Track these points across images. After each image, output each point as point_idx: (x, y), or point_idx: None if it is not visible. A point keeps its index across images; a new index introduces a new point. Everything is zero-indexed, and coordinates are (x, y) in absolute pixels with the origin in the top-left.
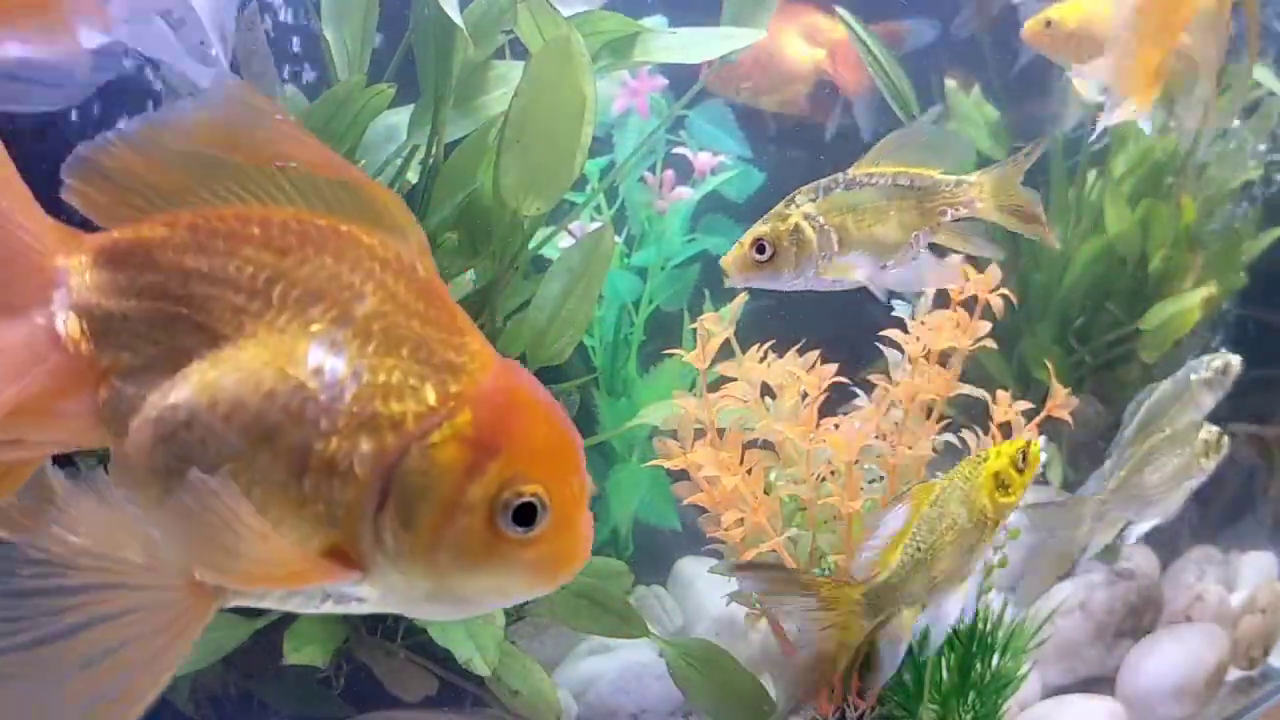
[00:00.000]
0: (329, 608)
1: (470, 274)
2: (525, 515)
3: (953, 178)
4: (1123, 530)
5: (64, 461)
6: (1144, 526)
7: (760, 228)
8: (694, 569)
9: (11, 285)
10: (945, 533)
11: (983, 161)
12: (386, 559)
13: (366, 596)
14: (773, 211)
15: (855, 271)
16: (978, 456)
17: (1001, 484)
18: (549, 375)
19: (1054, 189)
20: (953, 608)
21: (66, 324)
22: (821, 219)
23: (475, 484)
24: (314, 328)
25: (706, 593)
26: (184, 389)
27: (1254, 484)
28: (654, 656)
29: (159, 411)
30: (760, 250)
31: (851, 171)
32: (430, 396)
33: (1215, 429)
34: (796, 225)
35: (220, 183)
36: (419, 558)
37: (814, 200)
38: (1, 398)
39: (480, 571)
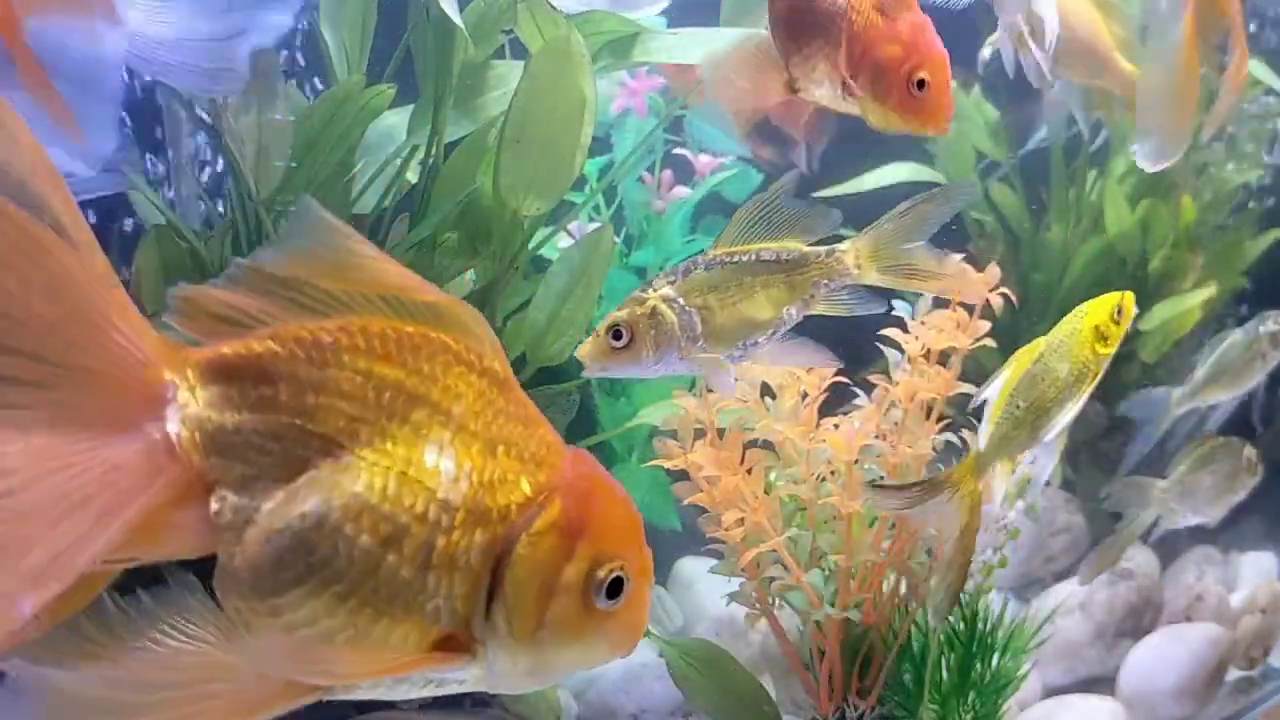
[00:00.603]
0: (430, 691)
1: (470, 274)
2: (613, 589)
3: (823, 248)
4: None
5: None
6: (1188, 521)
7: (616, 313)
8: (694, 569)
9: (123, 400)
10: (1047, 389)
11: (982, 163)
12: (495, 641)
13: (469, 678)
14: (630, 296)
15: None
16: (1077, 313)
17: (1101, 335)
18: (549, 375)
19: (1054, 189)
20: (1048, 461)
21: (180, 437)
22: (682, 301)
23: (570, 565)
24: (424, 431)
25: (706, 593)
26: (312, 497)
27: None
28: (654, 656)
29: (284, 520)
30: (617, 336)
31: (711, 251)
32: (527, 488)
33: (1255, 451)
34: (655, 309)
35: (315, 301)
36: (524, 637)
37: (673, 282)
38: (126, 513)
39: (576, 644)
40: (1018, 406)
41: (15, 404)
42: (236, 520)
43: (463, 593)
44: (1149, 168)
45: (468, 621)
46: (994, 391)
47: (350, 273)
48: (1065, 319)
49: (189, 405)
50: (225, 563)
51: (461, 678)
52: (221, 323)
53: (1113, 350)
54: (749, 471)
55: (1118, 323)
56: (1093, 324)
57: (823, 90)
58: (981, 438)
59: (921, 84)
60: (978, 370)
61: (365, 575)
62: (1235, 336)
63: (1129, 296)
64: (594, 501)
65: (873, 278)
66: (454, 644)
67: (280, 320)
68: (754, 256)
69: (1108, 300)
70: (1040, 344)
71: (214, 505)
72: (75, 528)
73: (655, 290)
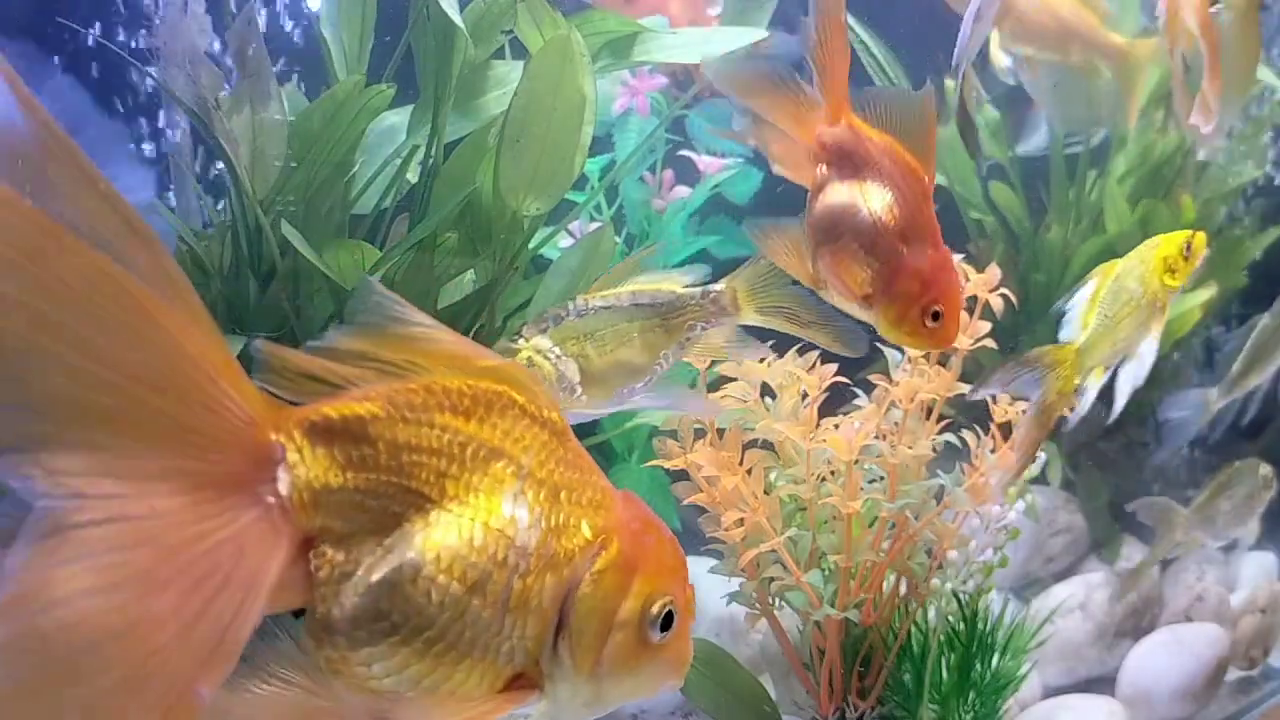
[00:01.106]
0: None
1: (470, 274)
2: (665, 622)
3: (699, 289)
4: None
5: None
6: (1208, 545)
7: None
8: (694, 569)
9: (236, 461)
10: (1125, 305)
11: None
12: (561, 676)
13: (534, 712)
14: (499, 345)
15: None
16: (1149, 243)
17: (1169, 268)
18: None
19: (1054, 189)
20: (1134, 368)
21: (290, 499)
22: (557, 350)
23: (627, 602)
24: (501, 481)
25: (706, 593)
26: (406, 551)
27: None
28: None
29: (381, 574)
30: None
31: (582, 297)
32: (588, 531)
33: (1270, 468)
34: (529, 359)
35: (393, 366)
36: (586, 671)
37: (544, 330)
38: (267, 580)
39: (632, 675)
40: (1105, 315)
41: (130, 468)
42: (333, 575)
43: (535, 633)
44: (1204, 129)
45: (536, 660)
46: (1081, 299)
47: (416, 344)
48: (1137, 248)
49: (297, 466)
50: (322, 615)
51: (527, 712)
52: (309, 381)
53: (1180, 284)
54: (749, 471)
55: (1187, 259)
56: (1162, 255)
57: (841, 295)
58: (1072, 331)
59: (936, 316)
60: (978, 370)
61: (452, 621)
62: (1264, 320)
63: (1200, 235)
64: (646, 541)
65: (751, 318)
66: (523, 681)
67: (365, 382)
68: (628, 300)
69: (1178, 235)
70: (1116, 264)
71: (314, 561)
72: (230, 601)
73: (527, 340)
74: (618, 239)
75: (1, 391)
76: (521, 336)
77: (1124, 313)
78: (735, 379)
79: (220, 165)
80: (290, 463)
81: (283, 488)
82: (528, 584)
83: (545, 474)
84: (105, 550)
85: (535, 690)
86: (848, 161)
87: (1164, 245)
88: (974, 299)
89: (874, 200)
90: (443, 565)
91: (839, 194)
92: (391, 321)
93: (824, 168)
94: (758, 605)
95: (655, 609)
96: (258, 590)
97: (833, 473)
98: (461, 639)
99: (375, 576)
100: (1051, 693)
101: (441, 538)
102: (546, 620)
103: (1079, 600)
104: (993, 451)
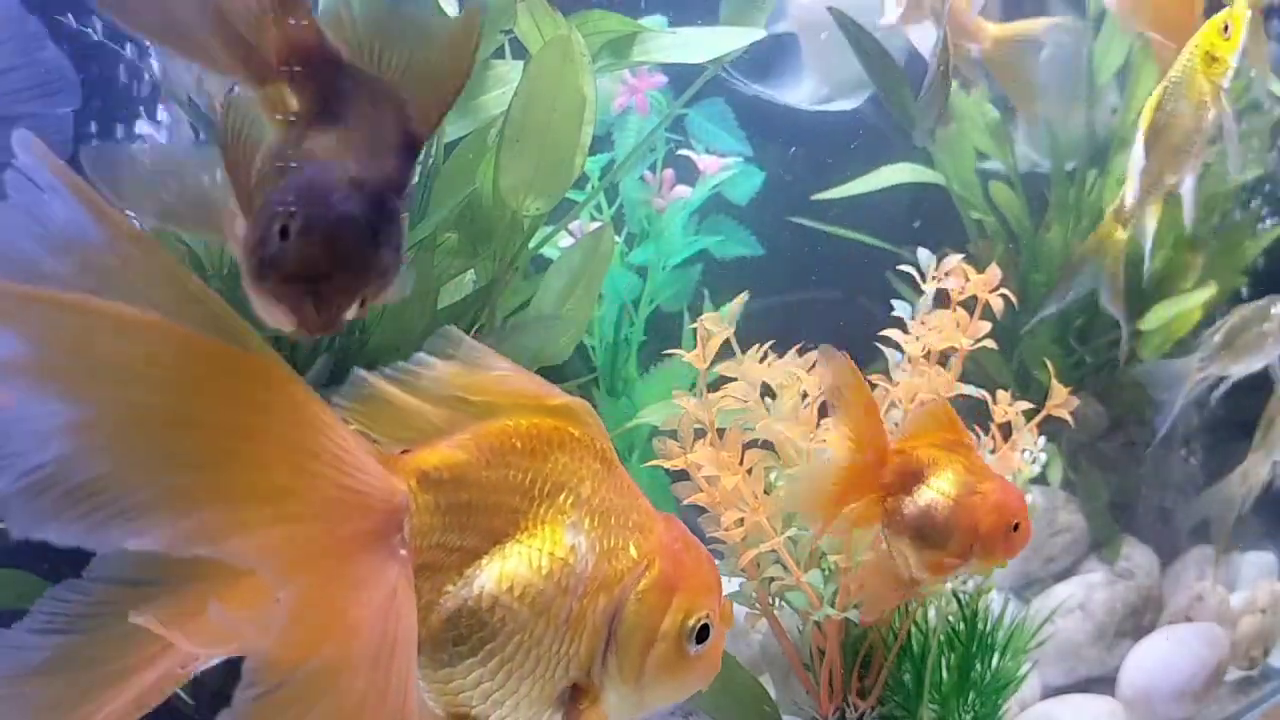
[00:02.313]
0: None
1: (470, 274)
2: (702, 635)
3: None
4: None
5: None
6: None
7: None
8: None
9: (377, 521)
10: (1170, 136)
11: (983, 165)
12: (610, 685)
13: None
14: None
15: None
16: (1187, 47)
17: (1211, 59)
18: (549, 375)
19: (1054, 189)
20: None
21: (410, 546)
22: None
23: (668, 617)
24: (563, 513)
25: None
26: (485, 581)
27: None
28: None
29: (464, 604)
30: None
31: None
32: (634, 553)
33: None
34: None
35: (474, 407)
36: (630, 680)
37: None
38: (412, 632)
39: (671, 683)
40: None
41: (278, 546)
42: (420, 604)
43: (588, 648)
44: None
45: (588, 671)
46: (1137, 149)
47: (498, 385)
48: (1178, 59)
49: (416, 514)
50: None
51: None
52: (406, 426)
53: (1228, 64)
54: (749, 471)
55: (1227, 39)
56: (1204, 50)
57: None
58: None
59: (1017, 526)
60: (978, 370)
61: (521, 642)
62: (1244, 310)
63: (1236, 13)
64: (685, 561)
65: None
66: (578, 691)
67: (456, 425)
68: None
69: (1212, 21)
70: (1157, 94)
71: None
72: (402, 662)
73: None
74: (618, 238)
75: (171, 500)
76: None
77: (1175, 137)
78: (735, 379)
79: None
80: (411, 510)
81: (406, 536)
82: (584, 605)
83: (599, 502)
84: (316, 638)
85: (589, 697)
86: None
87: (1202, 41)
88: (974, 299)
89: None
90: (515, 594)
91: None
92: (478, 364)
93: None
94: (758, 605)
95: (692, 622)
96: (413, 641)
97: None
98: (528, 657)
99: (457, 606)
100: (1051, 693)
101: (514, 569)
102: (599, 636)
103: (1079, 600)
104: (993, 452)
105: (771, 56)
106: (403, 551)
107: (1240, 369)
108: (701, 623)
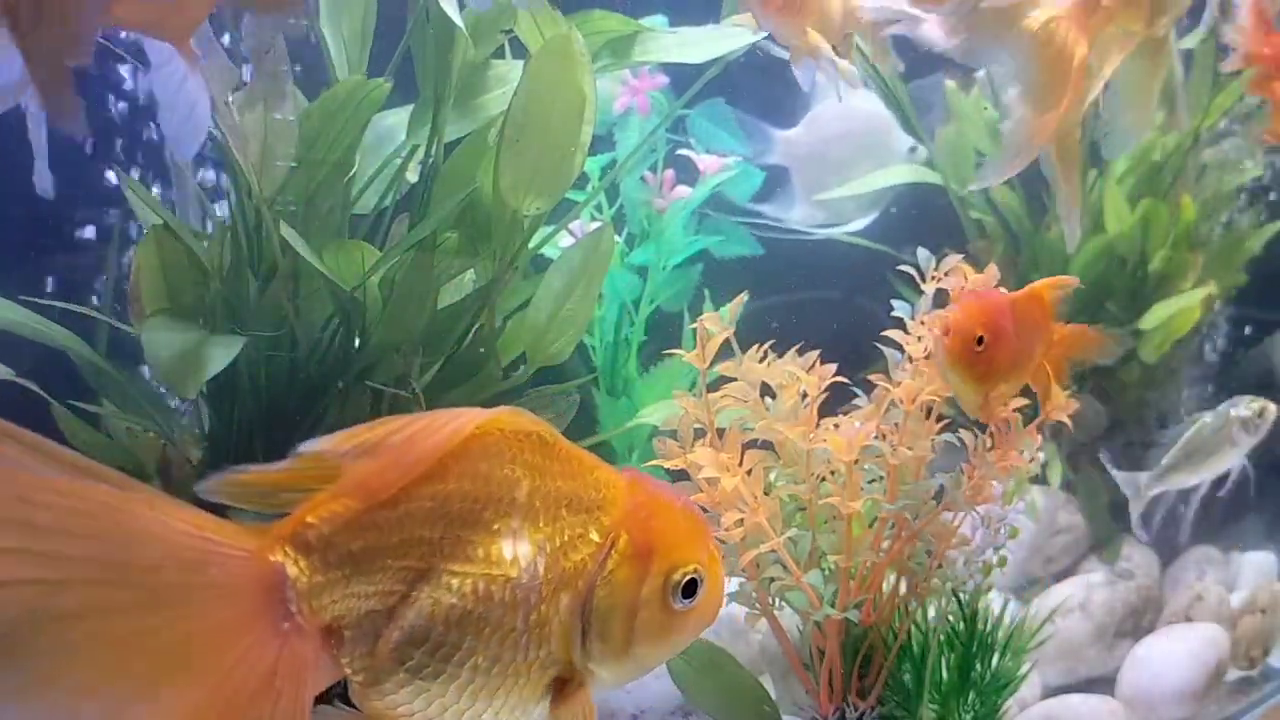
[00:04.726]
0: None
1: (470, 274)
2: (689, 589)
3: None
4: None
5: None
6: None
7: None
8: None
9: (245, 601)
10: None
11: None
12: (598, 666)
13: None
14: None
15: None
16: None
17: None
18: (549, 375)
19: (1054, 188)
20: None
21: (302, 610)
22: None
23: (646, 584)
24: (496, 526)
25: None
26: (416, 619)
27: (1253, 484)
28: None
29: (397, 641)
30: None
31: None
32: (595, 536)
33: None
34: None
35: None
36: (620, 655)
37: None
38: (299, 706)
39: (666, 643)
40: None
41: (152, 659)
42: (359, 649)
43: (560, 644)
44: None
45: (569, 661)
46: None
47: (369, 433)
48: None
49: (298, 579)
50: (358, 684)
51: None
52: (279, 493)
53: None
54: (749, 472)
55: None
56: None
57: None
58: None
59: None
60: None
61: (475, 666)
62: (1205, 419)
63: None
64: (655, 524)
65: None
66: (563, 682)
67: (330, 480)
68: None
69: None
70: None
71: (335, 648)
72: None
73: None
74: (618, 238)
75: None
76: None
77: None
78: (735, 379)
79: (216, 164)
80: (291, 577)
81: (292, 605)
82: (543, 611)
83: (540, 499)
84: None
85: (575, 682)
86: None
87: None
88: None
89: None
90: (453, 623)
91: None
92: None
93: None
94: (758, 605)
95: (676, 578)
96: (300, 713)
97: (833, 473)
98: (490, 674)
99: (393, 646)
100: (1051, 692)
101: (446, 599)
102: (569, 631)
103: (1079, 600)
104: (990, 450)
105: (773, 180)
106: (285, 625)
107: (1195, 479)
108: (687, 577)
